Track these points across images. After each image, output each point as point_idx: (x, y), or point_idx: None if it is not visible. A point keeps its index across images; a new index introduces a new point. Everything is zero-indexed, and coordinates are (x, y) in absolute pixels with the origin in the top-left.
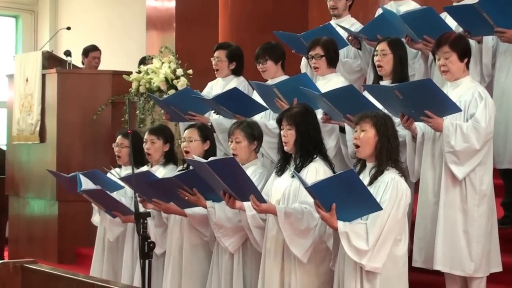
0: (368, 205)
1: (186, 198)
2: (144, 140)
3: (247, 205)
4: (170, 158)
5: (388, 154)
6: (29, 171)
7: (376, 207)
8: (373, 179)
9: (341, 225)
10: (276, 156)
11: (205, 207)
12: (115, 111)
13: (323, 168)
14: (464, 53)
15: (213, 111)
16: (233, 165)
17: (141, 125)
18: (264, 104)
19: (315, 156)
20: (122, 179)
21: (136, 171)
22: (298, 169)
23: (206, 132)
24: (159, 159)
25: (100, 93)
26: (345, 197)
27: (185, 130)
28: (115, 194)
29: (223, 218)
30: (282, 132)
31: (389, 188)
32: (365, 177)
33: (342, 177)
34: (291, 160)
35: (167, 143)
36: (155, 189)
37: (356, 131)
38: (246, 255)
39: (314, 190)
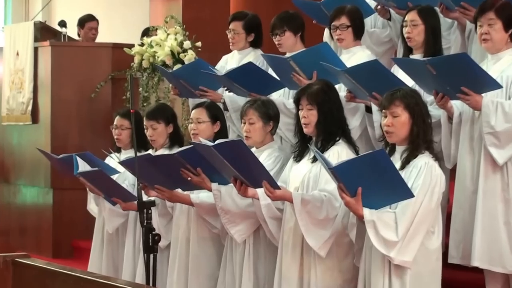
0: (398, 191)
1: (189, 179)
2: (144, 125)
3: (260, 192)
4: (175, 139)
5: (424, 136)
6: (21, 155)
7: (408, 194)
8: (405, 163)
9: (367, 212)
10: (295, 139)
11: (210, 189)
12: (116, 88)
13: (346, 152)
14: (510, 23)
15: (225, 88)
16: (240, 148)
17: (145, 104)
18: None
19: (338, 138)
20: (122, 163)
21: (138, 154)
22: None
23: (216, 112)
24: (164, 142)
25: (99, 68)
26: (372, 181)
27: (191, 110)
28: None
29: (230, 202)
30: (301, 113)
31: (422, 173)
32: (395, 162)
33: (371, 158)
34: (310, 143)
35: (170, 124)
36: (156, 168)
37: (385, 116)
38: (259, 248)
39: (338, 171)
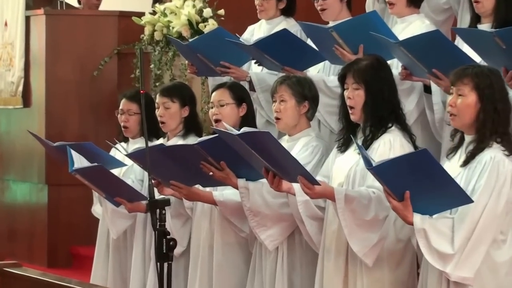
0: (453, 196)
1: (211, 173)
2: (156, 104)
3: (297, 187)
4: (191, 126)
5: (493, 126)
6: (10, 145)
7: (464, 199)
8: (469, 158)
9: (418, 219)
10: (337, 124)
11: (235, 186)
12: (123, 65)
13: (400, 141)
14: None
15: (253, 61)
16: (268, 140)
17: (157, 84)
18: None
19: (390, 125)
20: (130, 155)
21: (149, 144)
22: (368, 142)
23: (241, 93)
24: (176, 128)
25: (103, 41)
26: (421, 184)
27: (212, 92)
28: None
29: (260, 202)
30: (346, 93)
31: (486, 171)
32: (461, 155)
33: (413, 159)
34: (357, 130)
35: (186, 106)
36: (171, 161)
37: (451, 93)
38: (294, 257)
39: (379, 172)
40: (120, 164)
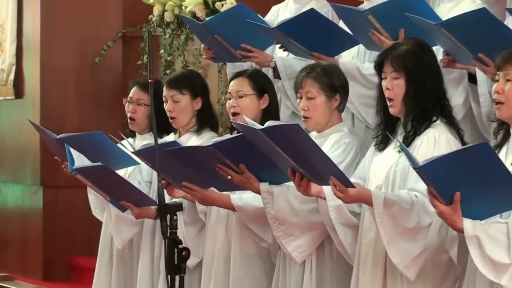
0: (510, 196)
1: (229, 178)
2: (163, 98)
3: (328, 191)
4: (205, 119)
5: None
6: (0, 141)
7: None
8: None
9: (469, 225)
10: (374, 118)
11: (257, 191)
12: (128, 50)
13: (446, 137)
14: None
15: (278, 45)
16: (297, 134)
17: (167, 71)
18: None
19: (434, 119)
20: (137, 153)
21: (160, 141)
22: (409, 139)
23: (263, 82)
24: (188, 123)
25: (106, 23)
26: (475, 184)
27: (230, 81)
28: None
29: (286, 209)
30: (384, 83)
31: None
32: (510, 150)
33: (470, 154)
34: (397, 125)
35: (197, 98)
36: (183, 162)
37: (497, 80)
38: (324, 270)
39: (427, 171)
40: (132, 162)
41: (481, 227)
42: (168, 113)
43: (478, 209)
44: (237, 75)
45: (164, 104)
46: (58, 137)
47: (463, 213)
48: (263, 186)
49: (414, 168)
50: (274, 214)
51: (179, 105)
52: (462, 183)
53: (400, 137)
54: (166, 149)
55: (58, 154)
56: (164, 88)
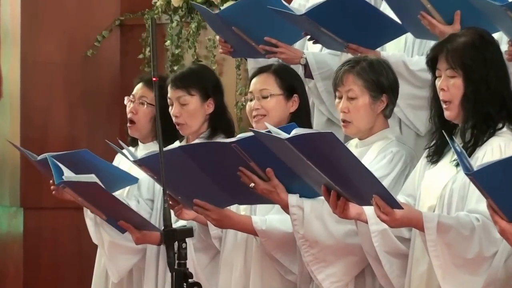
0: None
1: (252, 186)
2: (168, 99)
3: (370, 212)
4: (219, 124)
5: None
6: None
7: None
8: None
9: None
10: (425, 124)
11: (285, 205)
12: (127, 41)
13: None
14: None
15: (308, 37)
16: (332, 144)
17: (175, 67)
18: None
19: (500, 125)
20: (138, 162)
21: (165, 148)
22: (469, 150)
23: (292, 80)
24: (198, 129)
25: (100, 9)
26: None
27: (251, 79)
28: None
29: (319, 228)
30: (438, 82)
31: None
32: None
33: None
34: (455, 133)
35: (209, 99)
36: (196, 167)
37: None
38: None
39: (482, 178)
40: (130, 180)
41: None
42: (174, 119)
43: None
44: (260, 70)
45: (170, 107)
46: (38, 158)
47: None
48: (293, 198)
49: (466, 174)
50: (304, 234)
51: (187, 109)
52: None
53: (457, 147)
54: (178, 149)
55: (47, 175)
56: (169, 87)
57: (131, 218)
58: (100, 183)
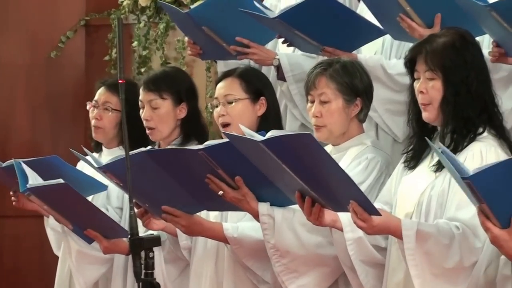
0: None
1: (221, 193)
2: (139, 102)
3: (346, 219)
4: (191, 130)
5: None
6: None
7: None
8: None
9: None
10: (403, 129)
11: (255, 213)
12: (93, 43)
13: (496, 153)
14: None
15: (281, 39)
16: (309, 146)
17: (142, 70)
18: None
19: (480, 130)
20: (103, 168)
21: (131, 152)
22: None
23: (257, 82)
24: (170, 135)
25: (64, 8)
26: None
27: (216, 84)
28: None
29: (290, 238)
30: (416, 85)
31: None
32: None
33: None
34: (433, 138)
35: (182, 103)
36: (163, 173)
37: None
38: None
39: (480, 182)
40: (99, 187)
41: None
42: (144, 122)
43: None
44: (224, 75)
45: (140, 110)
46: (3, 165)
47: None
48: (263, 207)
49: (464, 179)
50: (275, 243)
51: (159, 113)
52: None
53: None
54: (144, 153)
55: (7, 183)
56: (141, 90)
57: (100, 224)
58: (70, 185)
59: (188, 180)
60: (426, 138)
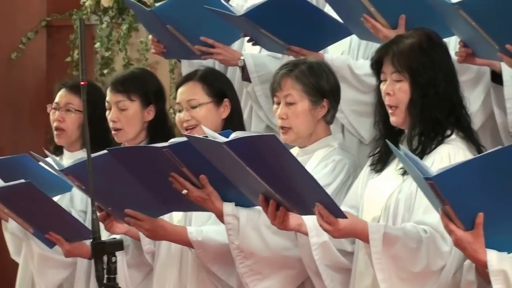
0: None
1: (185, 192)
2: (106, 103)
3: (311, 223)
4: (158, 133)
5: None
6: None
7: None
8: None
9: (494, 257)
10: (370, 131)
11: (219, 213)
12: (54, 44)
13: (464, 156)
14: None
15: (246, 38)
16: (274, 148)
17: (105, 71)
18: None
19: (448, 132)
20: (65, 171)
21: (94, 154)
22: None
23: (219, 84)
24: (136, 137)
25: (25, 8)
26: (503, 203)
27: (177, 88)
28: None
29: (255, 239)
30: (383, 87)
31: None
32: None
33: (494, 160)
34: (400, 140)
35: (150, 105)
36: (126, 173)
37: None
38: None
39: (444, 183)
40: (67, 187)
41: (510, 261)
42: (111, 124)
43: (505, 238)
44: (185, 79)
45: (107, 111)
46: None
47: (487, 242)
48: (228, 207)
49: (426, 179)
50: (239, 244)
51: (126, 114)
52: (487, 202)
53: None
54: (107, 154)
55: None
56: (108, 91)
57: (64, 226)
58: (34, 184)
59: (152, 180)
60: (387, 141)
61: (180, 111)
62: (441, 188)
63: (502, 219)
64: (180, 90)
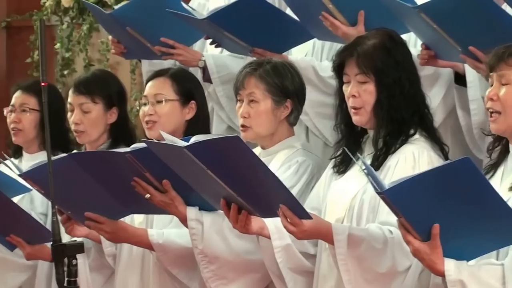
0: (504, 228)
1: (148, 197)
2: (68, 105)
3: (273, 226)
4: (120, 135)
5: None
6: None
7: None
8: None
9: (451, 267)
10: (333, 133)
11: (183, 218)
12: (14, 44)
13: (428, 155)
14: None
15: (209, 40)
16: (237, 150)
17: (65, 72)
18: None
19: (412, 132)
20: (24, 175)
21: (54, 158)
22: (380, 158)
23: (189, 85)
24: (98, 139)
25: None
26: (457, 213)
27: (147, 82)
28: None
29: (219, 243)
30: (347, 89)
31: None
32: (508, 173)
33: (447, 174)
34: (364, 141)
35: (113, 108)
36: (88, 177)
37: (491, 85)
38: None
39: (394, 197)
40: (22, 188)
41: (468, 270)
42: (73, 126)
43: (463, 247)
44: (157, 74)
45: (69, 113)
46: None
47: (444, 252)
48: (191, 212)
49: (378, 193)
50: (203, 249)
51: (89, 117)
52: (442, 213)
53: (368, 157)
54: (68, 157)
55: None
56: (70, 92)
57: (24, 229)
58: None
59: (114, 184)
60: (345, 148)
61: (145, 104)
62: (393, 201)
63: (458, 228)
64: (149, 84)
